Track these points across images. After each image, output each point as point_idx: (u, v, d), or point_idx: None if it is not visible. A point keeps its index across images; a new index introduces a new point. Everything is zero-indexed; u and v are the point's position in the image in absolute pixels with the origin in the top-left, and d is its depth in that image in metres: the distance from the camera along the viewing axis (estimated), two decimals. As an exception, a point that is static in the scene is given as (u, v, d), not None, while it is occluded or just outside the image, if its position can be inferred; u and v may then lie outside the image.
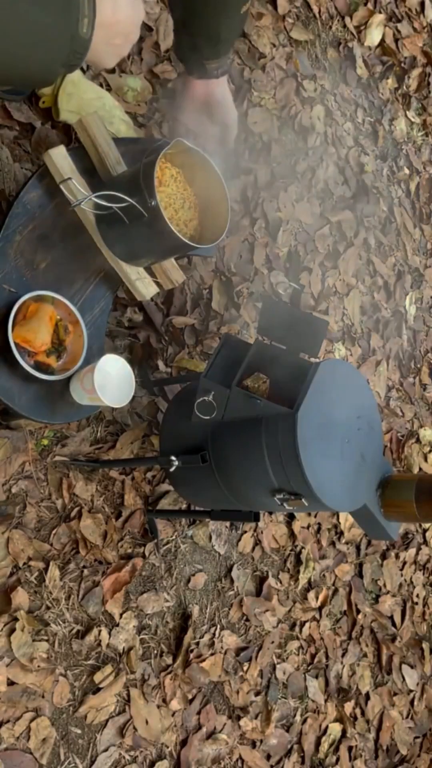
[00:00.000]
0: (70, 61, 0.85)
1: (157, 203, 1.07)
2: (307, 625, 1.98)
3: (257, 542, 1.91)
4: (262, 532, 1.92)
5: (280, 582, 1.94)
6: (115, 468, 1.62)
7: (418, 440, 2.48)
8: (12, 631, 1.39)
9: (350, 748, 2.01)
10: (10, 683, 1.38)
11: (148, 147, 1.35)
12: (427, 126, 2.83)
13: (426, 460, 2.50)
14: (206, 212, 1.24)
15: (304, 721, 1.92)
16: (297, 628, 1.96)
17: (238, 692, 1.76)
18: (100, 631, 1.52)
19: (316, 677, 1.98)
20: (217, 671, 1.73)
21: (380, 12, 2.66)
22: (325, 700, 1.98)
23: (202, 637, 1.73)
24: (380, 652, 2.18)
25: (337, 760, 1.97)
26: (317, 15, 2.43)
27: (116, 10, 0.90)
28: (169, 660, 1.65)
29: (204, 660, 1.70)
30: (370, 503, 1.35)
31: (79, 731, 1.47)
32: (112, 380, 1.21)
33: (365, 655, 2.13)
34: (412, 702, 2.25)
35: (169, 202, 1.20)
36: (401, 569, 2.31)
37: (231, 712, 1.75)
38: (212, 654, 1.73)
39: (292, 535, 2.00)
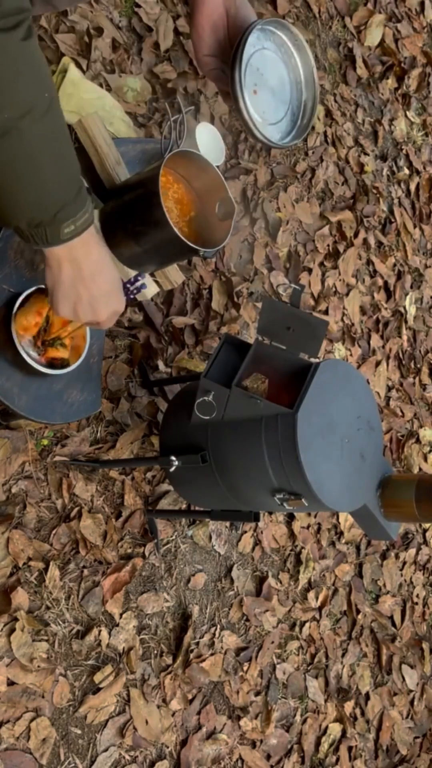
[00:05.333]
0: (31, 230, 0.80)
1: (164, 212, 1.07)
2: (307, 625, 1.98)
3: (257, 542, 1.91)
4: (262, 532, 1.92)
5: (280, 582, 1.94)
6: (115, 468, 1.62)
7: (418, 440, 2.48)
8: (12, 631, 1.39)
9: (350, 748, 2.01)
10: (10, 683, 1.38)
11: (148, 148, 1.35)
12: (427, 126, 2.83)
13: (426, 460, 2.50)
14: (207, 212, 1.24)
15: (304, 721, 1.92)
16: (297, 628, 1.96)
17: (238, 692, 1.77)
18: (100, 631, 1.52)
19: (316, 677, 1.98)
20: (217, 671, 1.73)
21: (380, 12, 2.66)
22: (325, 700, 1.98)
23: (202, 637, 1.73)
24: (380, 652, 2.18)
25: (337, 760, 1.97)
26: (317, 15, 2.44)
27: (99, 265, 0.88)
28: (169, 660, 1.65)
29: (204, 660, 1.70)
30: (370, 503, 1.35)
31: (79, 731, 1.47)
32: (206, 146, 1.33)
33: (365, 655, 2.13)
34: (412, 702, 2.25)
35: (171, 207, 1.20)
36: (401, 569, 2.31)
37: (231, 712, 1.75)
38: (212, 654, 1.73)
39: (292, 535, 2.00)
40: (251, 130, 0.97)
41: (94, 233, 0.86)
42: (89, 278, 0.89)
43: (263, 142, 1.00)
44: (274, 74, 1.01)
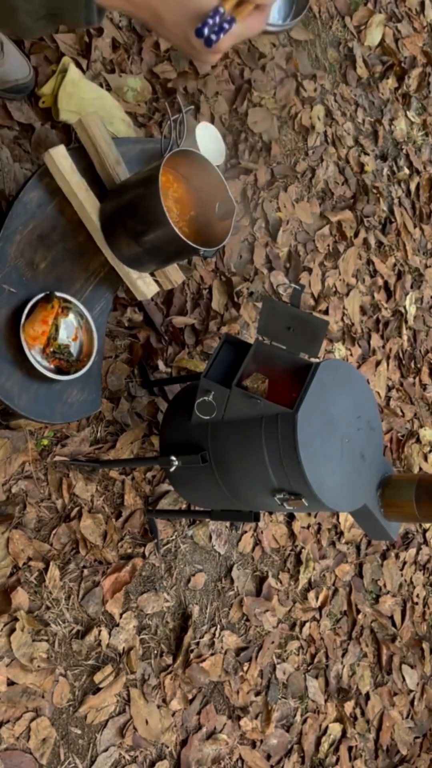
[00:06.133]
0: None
1: (164, 211, 1.07)
2: (307, 625, 1.98)
3: (257, 542, 1.91)
4: (262, 532, 1.92)
5: (280, 582, 1.94)
6: (115, 468, 1.62)
7: (418, 440, 2.48)
8: (12, 631, 1.39)
9: (350, 748, 2.01)
10: (10, 683, 1.38)
11: (148, 147, 1.35)
12: (427, 126, 2.83)
13: (426, 460, 2.50)
14: (207, 212, 1.24)
15: (304, 721, 1.92)
16: (297, 628, 1.96)
17: (238, 692, 1.76)
18: (100, 631, 1.52)
19: (316, 677, 1.98)
20: (217, 671, 1.73)
21: (380, 12, 2.66)
22: (325, 700, 1.98)
23: (202, 637, 1.73)
24: (380, 652, 2.18)
25: (337, 760, 1.97)
26: (317, 15, 2.43)
27: None
28: (169, 660, 1.64)
29: (204, 660, 1.70)
30: (370, 503, 1.35)
31: (79, 731, 1.47)
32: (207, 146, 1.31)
33: (365, 655, 2.13)
34: (412, 702, 2.25)
35: (171, 207, 1.20)
36: (401, 569, 2.31)
37: (231, 712, 1.75)
38: (212, 654, 1.73)
39: (292, 535, 2.00)
40: None
41: None
42: (153, 22, 0.77)
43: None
44: None
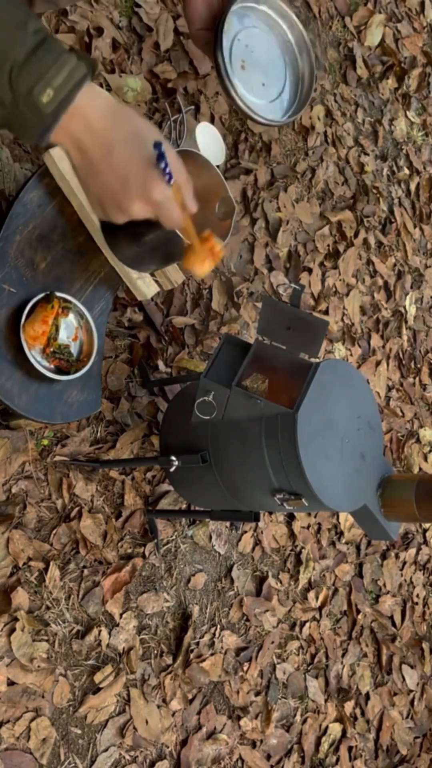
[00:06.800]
0: (3, 110, 0.61)
1: None
2: (307, 625, 1.98)
3: (257, 542, 1.91)
4: (262, 532, 1.92)
5: (280, 582, 1.94)
6: (115, 468, 1.62)
7: (418, 440, 2.48)
8: (12, 631, 1.39)
9: (350, 748, 2.01)
10: (10, 683, 1.38)
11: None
12: (427, 126, 2.83)
13: (426, 460, 2.50)
14: (207, 212, 1.24)
15: (304, 721, 1.92)
16: (297, 628, 1.96)
17: (238, 692, 1.76)
18: (100, 631, 1.52)
19: (316, 677, 1.98)
20: (217, 671, 1.73)
21: (380, 12, 2.66)
22: (325, 700, 1.98)
23: (202, 637, 1.73)
24: (380, 652, 2.18)
25: (337, 760, 1.97)
26: (317, 15, 2.43)
27: (119, 118, 0.65)
28: (169, 660, 1.65)
29: (204, 660, 1.70)
30: (370, 503, 1.35)
31: (79, 731, 1.47)
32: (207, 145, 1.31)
33: (365, 655, 2.13)
34: (412, 702, 2.25)
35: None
36: (401, 569, 2.31)
37: (231, 712, 1.75)
38: (212, 654, 1.73)
39: (292, 535, 2.00)
40: (236, 102, 0.95)
41: (94, 96, 0.65)
42: (102, 159, 0.67)
43: (254, 119, 0.96)
44: (267, 51, 0.99)
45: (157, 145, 0.69)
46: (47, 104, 0.61)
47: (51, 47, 0.61)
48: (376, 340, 2.39)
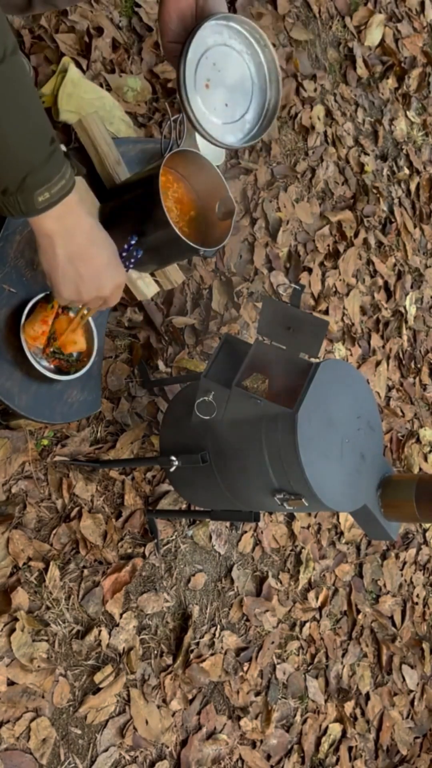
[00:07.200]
0: (1, 198, 0.73)
1: (164, 211, 1.07)
2: (307, 625, 1.98)
3: (257, 542, 1.91)
4: (262, 532, 1.92)
5: (280, 582, 1.94)
6: (115, 468, 1.62)
7: (418, 440, 2.48)
8: (12, 631, 1.39)
9: (350, 748, 2.01)
10: (10, 683, 1.38)
11: (148, 147, 1.35)
12: (427, 126, 2.83)
13: (426, 460, 2.50)
14: (207, 212, 1.24)
15: (304, 721, 1.92)
16: (297, 628, 1.96)
17: (238, 692, 1.76)
18: (100, 632, 1.52)
19: (316, 677, 1.98)
20: (217, 671, 1.73)
21: (380, 12, 2.66)
22: (325, 700, 1.98)
23: (202, 637, 1.73)
24: (380, 652, 2.18)
25: (337, 760, 1.97)
26: (317, 15, 2.43)
27: (92, 236, 0.82)
28: (169, 660, 1.64)
29: (204, 660, 1.70)
30: (370, 503, 1.35)
31: (79, 731, 1.47)
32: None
33: (365, 655, 2.13)
34: (412, 702, 2.25)
35: (171, 207, 1.20)
36: (401, 569, 2.31)
37: (231, 712, 1.75)
38: (212, 654, 1.73)
39: (292, 535, 2.00)
40: (191, 121, 0.93)
41: (78, 201, 0.80)
42: (85, 251, 0.84)
43: (207, 138, 0.95)
44: (235, 72, 0.97)
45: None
46: (41, 202, 0.74)
47: (58, 156, 0.74)
48: (376, 340, 2.39)
